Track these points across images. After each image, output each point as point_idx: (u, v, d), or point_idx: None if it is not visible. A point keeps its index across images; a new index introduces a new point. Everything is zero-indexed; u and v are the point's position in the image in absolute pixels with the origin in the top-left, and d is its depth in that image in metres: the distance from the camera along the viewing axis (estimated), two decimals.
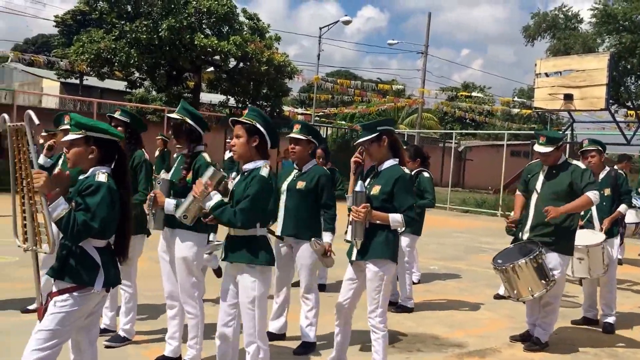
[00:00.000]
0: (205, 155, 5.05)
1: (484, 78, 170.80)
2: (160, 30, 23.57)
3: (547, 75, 17.73)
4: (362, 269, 4.90)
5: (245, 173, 4.24)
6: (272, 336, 5.74)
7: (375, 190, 4.79)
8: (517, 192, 6.73)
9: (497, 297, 8.44)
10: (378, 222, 4.74)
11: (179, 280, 5.00)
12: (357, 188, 4.75)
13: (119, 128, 5.46)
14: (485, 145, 44.06)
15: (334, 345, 5.13)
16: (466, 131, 45.03)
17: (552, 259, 6.03)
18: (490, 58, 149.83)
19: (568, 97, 16.63)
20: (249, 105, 27.00)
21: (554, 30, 41.68)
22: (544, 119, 37.73)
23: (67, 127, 6.08)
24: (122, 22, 24.46)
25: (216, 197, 4.15)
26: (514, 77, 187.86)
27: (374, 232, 4.78)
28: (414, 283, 8.34)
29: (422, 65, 34.93)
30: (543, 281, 5.84)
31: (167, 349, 5.21)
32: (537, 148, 6.20)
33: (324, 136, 38.43)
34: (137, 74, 27.68)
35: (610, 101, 34.72)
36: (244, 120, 4.24)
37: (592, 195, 5.95)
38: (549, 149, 6.12)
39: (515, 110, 40.92)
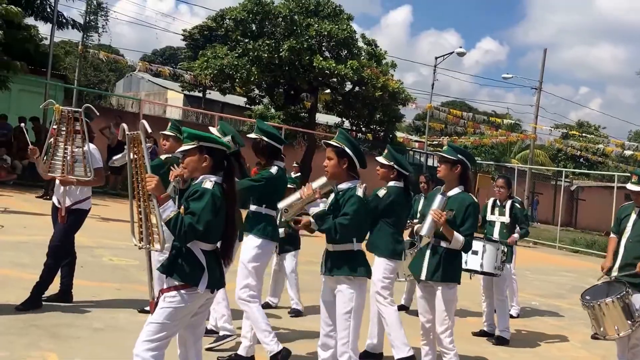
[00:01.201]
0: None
1: (599, 118, 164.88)
2: (281, 50, 24.16)
3: None
4: (431, 288, 5.27)
5: (340, 192, 4.59)
6: (366, 354, 6.05)
7: (449, 214, 5.13)
8: (611, 235, 6.70)
9: (594, 337, 8.38)
10: (444, 239, 5.16)
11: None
12: (441, 197, 5.13)
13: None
14: (597, 186, 42.71)
15: None
16: (578, 170, 43.79)
17: (638, 299, 5.99)
18: (608, 98, 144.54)
19: None
20: (362, 128, 27.51)
21: None
22: None
23: (167, 132, 6.78)
24: (246, 40, 25.18)
25: (322, 205, 4.54)
26: (631, 119, 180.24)
27: (447, 256, 5.18)
28: (511, 317, 8.41)
29: (536, 100, 34.42)
30: (629, 321, 5.83)
31: (240, 348, 5.55)
32: (630, 186, 6.20)
33: (435, 165, 38.41)
34: (256, 91, 28.39)
35: None
36: (334, 144, 4.61)
37: None
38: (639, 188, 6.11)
39: (629, 152, 39.47)
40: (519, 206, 8.24)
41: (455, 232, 5.07)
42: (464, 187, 5.30)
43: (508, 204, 8.11)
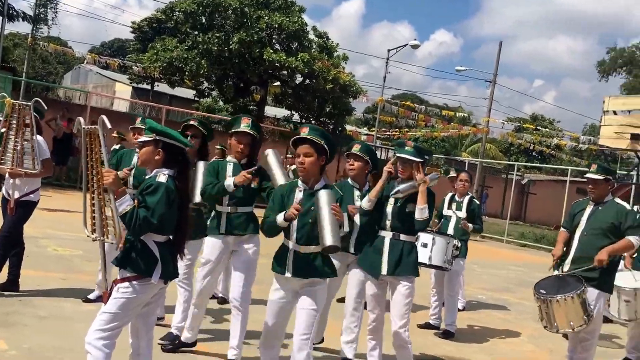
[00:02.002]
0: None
1: (554, 111, 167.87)
2: (231, 43, 23.95)
3: (615, 113, 17.43)
4: (382, 284, 5.27)
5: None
6: None
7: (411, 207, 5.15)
8: (562, 229, 6.68)
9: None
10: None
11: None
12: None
13: (193, 139, 5.77)
14: (549, 180, 43.27)
15: None
16: (530, 164, 44.35)
17: (592, 294, 5.97)
18: (563, 91, 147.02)
19: (635, 137, 16.33)
20: (312, 121, 27.39)
21: (630, 66, 40.82)
22: (614, 157, 36.93)
23: (138, 126, 6.83)
24: (196, 33, 24.98)
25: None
26: (586, 113, 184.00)
27: (407, 250, 5.17)
28: (459, 310, 8.33)
29: (490, 93, 34.62)
30: (584, 316, 5.78)
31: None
32: (588, 175, 6.22)
33: (385, 158, 38.48)
34: (205, 84, 28.23)
35: None
36: (316, 140, 4.37)
37: (634, 239, 5.94)
38: (599, 177, 6.11)
39: (584, 146, 40.11)
40: (477, 202, 8.20)
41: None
42: None
43: (466, 199, 8.08)
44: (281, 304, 4.48)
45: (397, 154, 5.23)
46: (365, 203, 5.28)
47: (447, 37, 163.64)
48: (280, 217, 4.29)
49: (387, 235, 5.20)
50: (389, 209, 5.24)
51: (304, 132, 4.44)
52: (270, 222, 4.35)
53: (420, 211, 5.06)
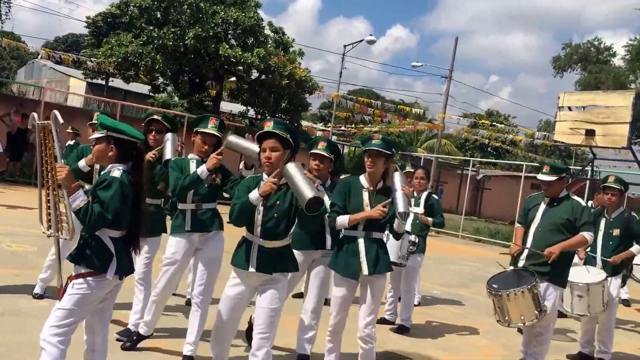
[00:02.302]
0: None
1: (509, 107, 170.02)
2: (186, 38, 23.79)
3: (570, 109, 17.66)
4: (355, 285, 5.10)
5: (284, 187, 4.37)
6: None
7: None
8: (517, 224, 6.73)
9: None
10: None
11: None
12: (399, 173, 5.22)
13: (160, 134, 5.80)
14: (504, 176, 43.81)
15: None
16: (485, 160, 44.82)
17: (546, 289, 6.04)
18: (519, 87, 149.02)
19: (589, 133, 16.56)
20: (268, 117, 27.30)
21: (585, 63, 41.41)
22: (569, 152, 37.51)
23: (95, 121, 6.59)
24: (151, 28, 24.77)
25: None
26: (541, 109, 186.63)
27: (382, 247, 5.11)
28: (414, 305, 8.33)
29: (446, 89, 34.87)
30: (536, 311, 5.82)
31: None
32: (540, 176, 6.28)
33: (342, 154, 38.54)
34: (161, 79, 27.98)
35: (637, 140, 34.65)
36: (282, 134, 4.33)
37: (587, 235, 6.04)
38: (551, 178, 6.19)
39: (539, 142, 40.68)
40: (435, 197, 8.16)
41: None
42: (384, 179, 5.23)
43: (424, 195, 8.03)
44: (238, 300, 4.44)
45: (366, 147, 5.12)
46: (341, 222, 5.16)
47: (403, 33, 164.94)
48: (254, 194, 4.20)
49: (360, 235, 5.05)
50: (367, 210, 5.08)
51: (269, 126, 4.35)
52: (243, 202, 4.24)
53: (399, 226, 5.10)
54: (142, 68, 25.00)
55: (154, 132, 5.80)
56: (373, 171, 5.09)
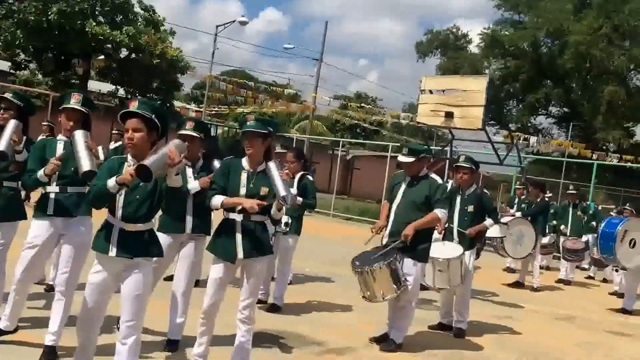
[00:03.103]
0: None
1: (377, 90, 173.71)
2: (50, 13, 22.84)
3: (431, 92, 18.38)
4: (233, 268, 5.06)
5: None
6: None
7: (264, 191, 4.98)
8: (384, 201, 7.09)
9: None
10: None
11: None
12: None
13: (9, 112, 5.36)
14: (372, 156, 44.98)
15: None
16: (354, 140, 45.88)
17: (408, 265, 6.43)
18: (385, 71, 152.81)
19: (449, 115, 17.30)
20: (138, 97, 26.72)
21: (445, 48, 43.28)
22: (431, 133, 39.07)
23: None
24: (11, 1, 23.65)
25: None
26: (406, 92, 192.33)
27: (260, 230, 5.03)
28: None
29: (317, 71, 35.42)
30: (394, 286, 6.20)
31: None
32: (400, 158, 6.66)
33: (215, 135, 38.27)
34: (22, 56, 26.68)
35: (492, 122, 36.68)
36: (146, 115, 4.18)
37: (440, 212, 6.44)
38: (410, 159, 6.57)
39: (404, 122, 42.05)
40: (310, 179, 8.19)
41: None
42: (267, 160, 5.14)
43: (297, 176, 8.01)
44: (102, 288, 4.26)
45: (242, 130, 5.10)
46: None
47: (276, 16, 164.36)
48: (111, 181, 4.00)
49: (238, 218, 4.97)
50: (243, 191, 5.01)
51: (133, 105, 4.21)
52: (99, 188, 4.05)
53: (275, 214, 4.97)
54: (1, 43, 23.76)
55: (2, 110, 5.38)
56: (251, 153, 5.03)
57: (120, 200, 4.18)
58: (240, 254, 4.94)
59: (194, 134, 5.68)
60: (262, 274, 5.13)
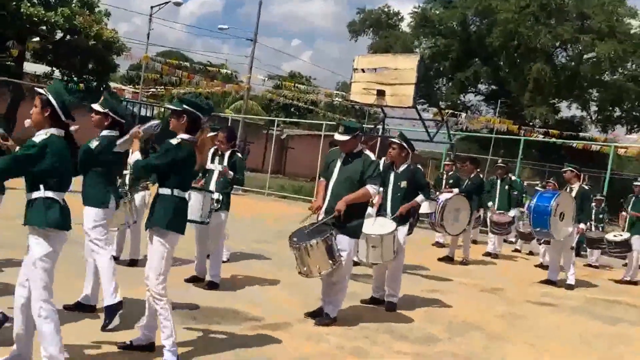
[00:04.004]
0: None
1: (310, 69, 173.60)
2: None
3: (363, 71, 18.56)
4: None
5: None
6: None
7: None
8: (321, 179, 7.25)
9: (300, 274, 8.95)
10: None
11: None
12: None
13: None
14: (306, 135, 45.15)
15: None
16: (288, 119, 45.92)
17: (342, 240, 6.60)
18: (318, 50, 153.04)
19: (380, 93, 17.51)
20: (74, 78, 26.24)
21: (377, 28, 43.54)
22: (363, 112, 39.46)
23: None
24: None
25: None
26: (339, 71, 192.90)
27: (159, 202, 5.14)
28: (222, 262, 8.60)
29: (251, 52, 35.32)
30: (330, 261, 6.39)
31: None
32: (337, 136, 6.81)
33: (151, 115, 37.78)
34: None
35: (422, 100, 37.22)
36: (41, 92, 4.54)
37: (371, 188, 6.64)
38: (345, 137, 6.73)
39: (337, 101, 42.40)
40: (240, 156, 8.31)
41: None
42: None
43: (227, 154, 8.10)
44: None
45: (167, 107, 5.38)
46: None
47: None
48: None
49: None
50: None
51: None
52: None
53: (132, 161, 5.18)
54: None
55: None
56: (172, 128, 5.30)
57: None
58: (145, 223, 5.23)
59: (99, 109, 6.07)
60: (159, 248, 5.08)
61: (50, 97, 4.49)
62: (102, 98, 6.18)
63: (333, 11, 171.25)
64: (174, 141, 5.15)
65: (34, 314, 4.35)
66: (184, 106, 5.23)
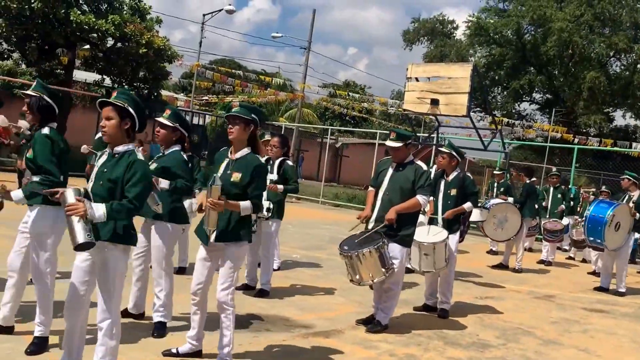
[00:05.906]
0: None
1: (365, 78, 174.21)
2: (32, 1, 22.33)
3: (417, 79, 18.49)
4: (217, 250, 5.12)
5: (117, 155, 4.28)
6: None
7: (236, 177, 5.00)
8: (370, 188, 7.24)
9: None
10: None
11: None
12: (214, 181, 4.86)
13: None
14: (361, 143, 45.15)
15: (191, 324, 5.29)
16: (343, 128, 46.10)
17: (393, 249, 6.61)
18: (374, 58, 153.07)
19: (434, 102, 17.43)
20: (124, 86, 26.56)
21: (432, 36, 43.46)
22: (419, 121, 39.26)
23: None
24: None
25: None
26: (394, 79, 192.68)
27: (235, 216, 5.03)
28: (274, 270, 8.66)
29: (305, 60, 35.53)
30: (383, 269, 6.39)
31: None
32: (388, 143, 6.81)
33: (203, 124, 38.29)
34: (5, 45, 26.13)
35: (478, 109, 36.97)
36: (117, 103, 4.25)
37: (421, 198, 6.62)
38: (398, 144, 6.73)
39: (392, 111, 42.35)
40: (290, 164, 8.34)
41: (241, 203, 4.95)
42: (252, 148, 5.19)
43: (277, 162, 8.16)
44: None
45: (225, 115, 5.20)
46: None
47: (265, 4, 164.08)
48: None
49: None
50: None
51: (113, 96, 4.34)
52: None
53: (244, 211, 5.01)
54: None
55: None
56: (232, 137, 5.07)
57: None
58: (212, 238, 5.04)
59: (166, 123, 5.90)
60: (237, 259, 5.08)
61: (130, 108, 4.30)
62: (168, 111, 6.05)
63: (390, 19, 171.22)
64: (262, 160, 5.17)
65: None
66: (252, 115, 5.14)
